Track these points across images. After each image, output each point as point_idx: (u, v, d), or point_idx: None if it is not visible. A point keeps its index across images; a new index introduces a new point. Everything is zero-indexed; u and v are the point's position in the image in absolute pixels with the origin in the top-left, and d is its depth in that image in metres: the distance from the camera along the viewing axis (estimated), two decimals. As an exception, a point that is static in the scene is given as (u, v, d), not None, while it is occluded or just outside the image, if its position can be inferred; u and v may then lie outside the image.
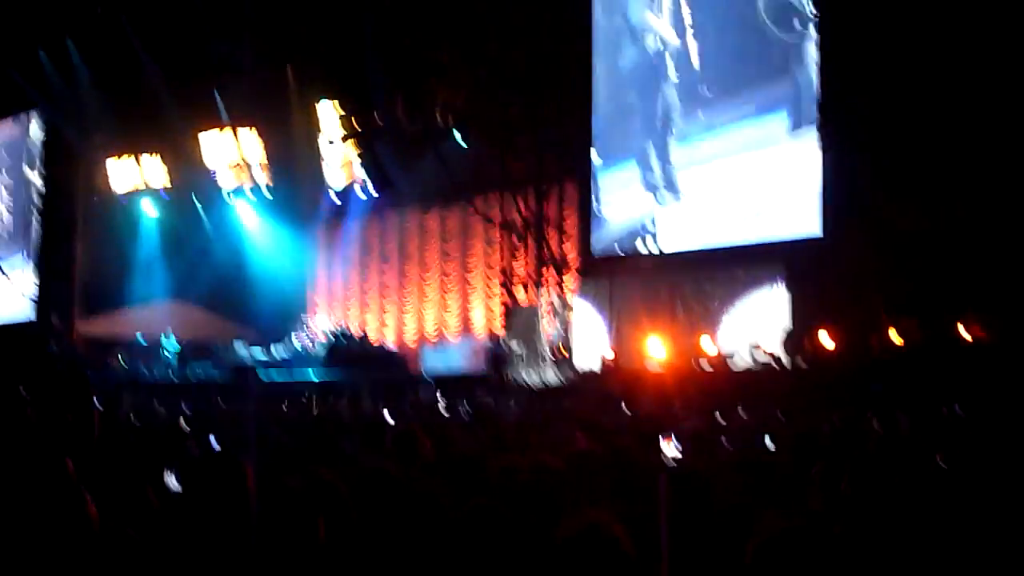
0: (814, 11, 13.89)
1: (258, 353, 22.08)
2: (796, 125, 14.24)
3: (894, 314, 12.53)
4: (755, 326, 14.28)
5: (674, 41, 15.87)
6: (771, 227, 14.52)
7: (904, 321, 12.57)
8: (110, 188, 25.72)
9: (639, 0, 16.58)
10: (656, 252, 16.11)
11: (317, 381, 17.57)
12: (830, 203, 13.67)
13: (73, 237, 25.46)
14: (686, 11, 15.65)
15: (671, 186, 15.87)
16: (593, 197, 17.16)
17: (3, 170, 27.01)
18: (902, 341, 12.36)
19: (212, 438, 6.98)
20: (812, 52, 14.02)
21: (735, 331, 14.73)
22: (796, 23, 14.18)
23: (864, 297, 12.96)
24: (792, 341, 13.44)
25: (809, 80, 14.01)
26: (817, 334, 13.00)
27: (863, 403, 9.85)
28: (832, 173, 13.65)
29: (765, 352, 13.66)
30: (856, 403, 10.17)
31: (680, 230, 15.79)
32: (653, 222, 16.06)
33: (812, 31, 14.00)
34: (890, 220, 12.79)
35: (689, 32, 15.65)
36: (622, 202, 16.64)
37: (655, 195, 16.07)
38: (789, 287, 14.17)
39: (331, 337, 20.81)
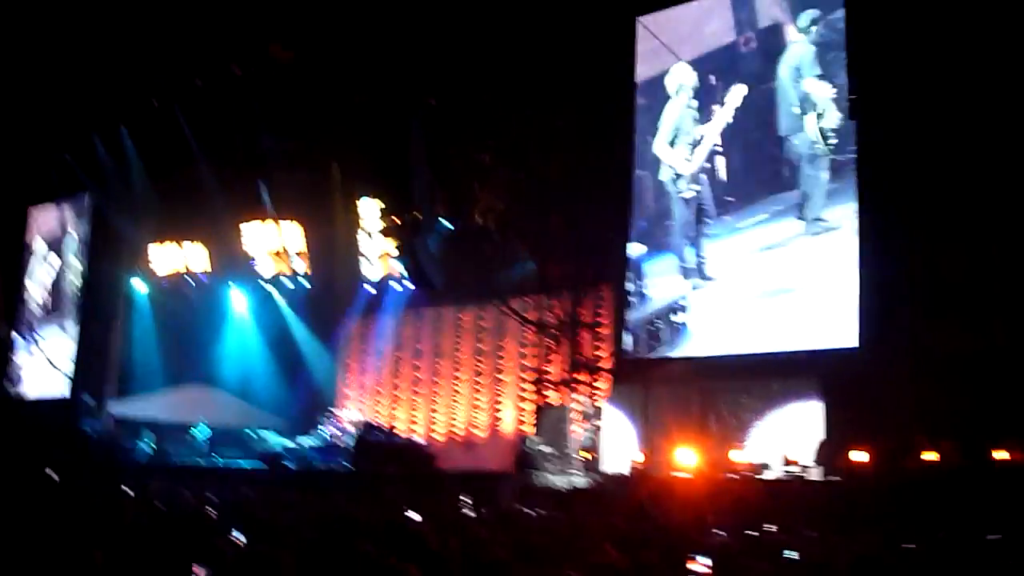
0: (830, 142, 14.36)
1: (287, 443, 22.11)
2: (807, 230, 14.64)
3: (930, 434, 12.37)
4: (788, 438, 14.11)
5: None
6: (807, 336, 14.48)
7: (941, 442, 12.41)
8: (151, 272, 26.17)
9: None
10: (688, 352, 16.07)
11: (344, 473, 17.52)
12: (867, 317, 13.62)
13: (112, 317, 25.84)
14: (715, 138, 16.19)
15: (703, 275, 16.24)
16: (634, 279, 17.39)
17: (50, 249, 27.56)
18: (938, 461, 12.17)
19: (237, 532, 6.99)
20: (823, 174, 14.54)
21: (768, 442, 14.57)
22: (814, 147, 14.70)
23: (900, 414, 12.82)
24: (825, 455, 13.27)
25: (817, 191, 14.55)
26: (850, 450, 12.83)
27: (896, 523, 9.71)
28: (869, 287, 13.64)
29: (798, 465, 13.49)
30: (888, 523, 10.03)
31: (713, 330, 15.80)
32: (686, 300, 16.42)
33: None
34: (928, 337, 12.72)
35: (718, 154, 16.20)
36: (661, 284, 17.01)
37: (691, 279, 16.42)
38: (824, 399, 14.03)
39: (359, 430, 20.80)
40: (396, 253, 20.90)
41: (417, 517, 7.81)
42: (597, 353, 19.45)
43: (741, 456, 14.26)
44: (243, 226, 24.33)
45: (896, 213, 13.81)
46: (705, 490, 13.03)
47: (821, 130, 14.76)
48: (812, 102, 14.95)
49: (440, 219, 19.88)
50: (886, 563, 6.08)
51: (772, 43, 15.78)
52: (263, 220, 24.17)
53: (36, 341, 26.55)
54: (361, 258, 23.04)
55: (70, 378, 25.16)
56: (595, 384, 18.87)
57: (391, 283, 23.07)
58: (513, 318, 21.36)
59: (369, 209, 21.95)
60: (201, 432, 22.99)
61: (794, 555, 6.64)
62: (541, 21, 17.32)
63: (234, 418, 24.23)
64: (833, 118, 14.62)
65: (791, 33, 15.53)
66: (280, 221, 24.00)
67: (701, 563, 5.72)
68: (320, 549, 5.52)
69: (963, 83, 13.24)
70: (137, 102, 22.46)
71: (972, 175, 13.21)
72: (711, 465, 14.22)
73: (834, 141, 14.58)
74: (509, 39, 17.75)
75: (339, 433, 21.77)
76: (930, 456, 12.39)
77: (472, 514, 9.76)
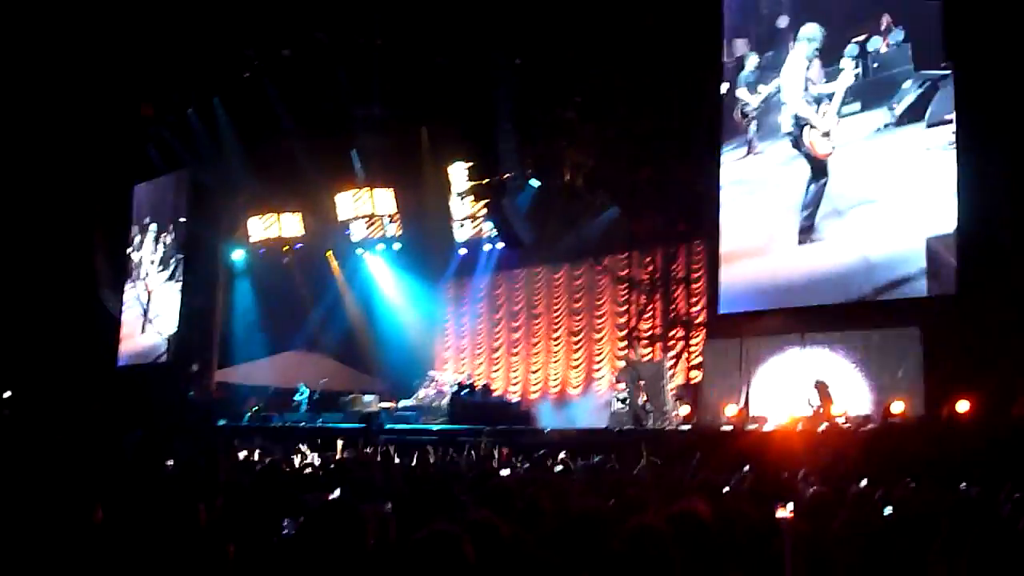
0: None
1: (385, 404, 22.49)
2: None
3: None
4: (887, 388, 13.81)
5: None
6: (905, 284, 14.00)
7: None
8: (249, 242, 26.76)
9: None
10: (785, 304, 15.66)
11: (439, 432, 17.74)
12: (965, 262, 13.16)
13: (213, 287, 26.55)
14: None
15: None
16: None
17: (152, 222, 28.36)
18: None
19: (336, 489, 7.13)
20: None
21: (867, 392, 14.28)
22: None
23: (1003, 362, 12.43)
24: (927, 407, 12.97)
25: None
26: (952, 398, 12.51)
27: (998, 474, 9.44)
28: (967, 231, 13.17)
29: (897, 415, 13.21)
30: (991, 473, 9.76)
31: (811, 281, 15.25)
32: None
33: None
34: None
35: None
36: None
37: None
38: (924, 348, 13.65)
39: (454, 390, 21.05)
40: (486, 213, 20.95)
41: (505, 472, 7.88)
42: (691, 309, 19.31)
43: (839, 408, 14.01)
44: (338, 196, 24.68)
45: (999, 154, 13.29)
46: (802, 443, 12.84)
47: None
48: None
49: (529, 178, 19.84)
50: (985, 510, 5.92)
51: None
52: (356, 188, 24.47)
53: (143, 310, 27.41)
54: (452, 221, 23.18)
55: (175, 345, 25.90)
56: (690, 339, 18.75)
57: (483, 244, 23.19)
58: (606, 275, 21.32)
59: (458, 172, 22.06)
60: (302, 396, 23.52)
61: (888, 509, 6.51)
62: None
63: (334, 382, 24.72)
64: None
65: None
66: (372, 188, 24.27)
67: (788, 511, 5.64)
68: (409, 502, 5.60)
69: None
70: (228, 75, 22.85)
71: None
72: (810, 417, 14.00)
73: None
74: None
75: (435, 394, 22.08)
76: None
77: (564, 468, 9.80)
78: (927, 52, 13.36)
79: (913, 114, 13.57)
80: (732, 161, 16.33)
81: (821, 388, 13.99)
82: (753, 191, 15.87)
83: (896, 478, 9.16)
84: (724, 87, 16.63)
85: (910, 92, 13.66)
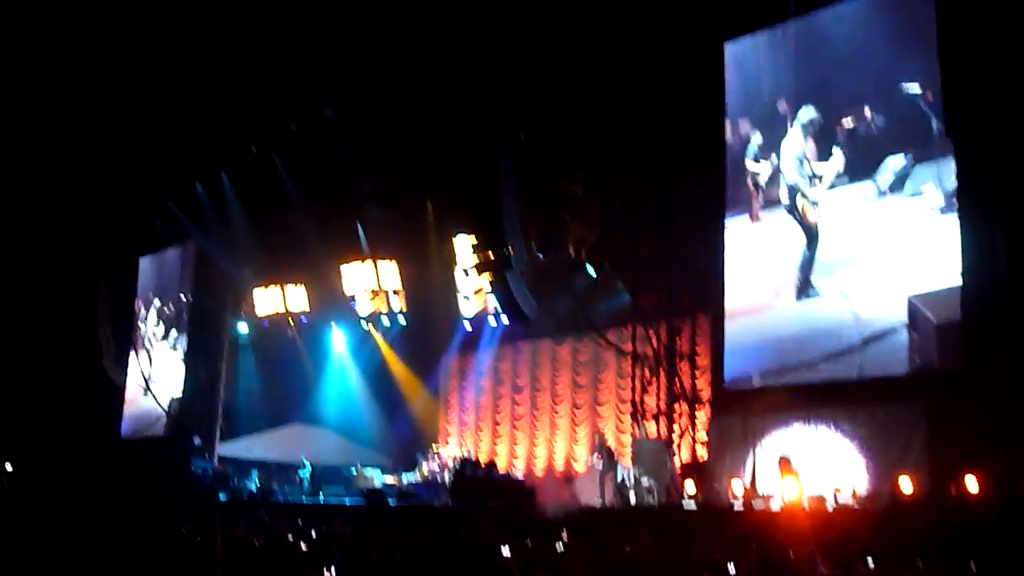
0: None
1: (388, 479, 22.31)
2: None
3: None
4: (894, 465, 13.64)
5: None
6: (910, 360, 13.95)
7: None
8: (254, 314, 26.79)
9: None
10: (790, 380, 15.62)
11: (442, 509, 17.56)
12: (970, 338, 13.10)
13: (218, 359, 26.50)
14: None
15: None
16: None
17: (156, 295, 28.44)
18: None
19: (332, 567, 7.03)
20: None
21: (873, 471, 14.12)
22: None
23: (1011, 437, 12.28)
24: (934, 483, 12.79)
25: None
26: (960, 474, 12.34)
27: (1010, 552, 9.30)
28: (972, 307, 13.13)
29: (905, 494, 13.02)
30: (1002, 552, 9.61)
31: (816, 356, 15.25)
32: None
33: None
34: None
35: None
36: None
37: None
38: (929, 424, 13.52)
39: (458, 465, 20.87)
40: (490, 288, 20.96)
41: (507, 551, 7.75)
42: (696, 383, 19.18)
43: (847, 486, 13.83)
44: (343, 267, 24.77)
45: (1000, 231, 13.31)
46: (810, 522, 12.65)
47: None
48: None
49: (533, 252, 19.90)
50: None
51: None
52: (361, 260, 24.56)
53: (147, 382, 27.34)
54: (457, 294, 23.21)
55: (178, 417, 25.79)
56: (695, 415, 18.60)
57: (487, 318, 23.18)
58: (609, 350, 21.25)
59: (463, 245, 22.14)
60: (304, 470, 23.35)
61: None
62: (627, 50, 17.28)
63: (337, 456, 24.58)
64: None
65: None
66: (377, 260, 24.36)
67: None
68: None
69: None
70: (235, 149, 23.09)
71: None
72: (816, 496, 13.82)
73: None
74: (595, 69, 17.75)
75: (439, 469, 21.90)
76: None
77: (563, 547, 9.66)
78: (910, 130, 14.21)
79: (896, 186, 14.40)
80: (734, 229, 16.82)
81: (783, 464, 14.00)
82: (755, 256, 16.44)
83: (905, 557, 9.02)
84: (728, 161, 16.87)
85: (892, 167, 14.47)
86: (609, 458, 18.07)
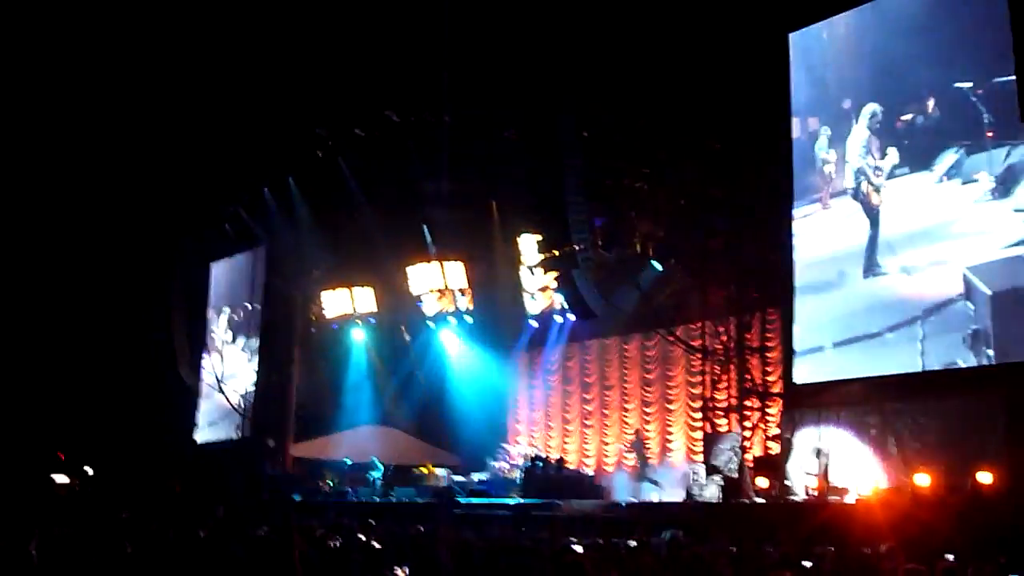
0: None
1: (458, 478, 22.39)
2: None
3: None
4: (972, 458, 13.35)
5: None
6: (987, 350, 13.75)
7: None
8: (324, 317, 27.09)
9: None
10: (862, 373, 15.49)
11: (514, 506, 17.58)
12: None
13: (289, 363, 26.84)
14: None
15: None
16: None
17: (231, 300, 28.91)
18: None
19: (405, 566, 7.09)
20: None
21: (951, 464, 13.83)
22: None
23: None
24: (1013, 477, 12.49)
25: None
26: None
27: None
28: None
29: (984, 487, 12.73)
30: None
31: (888, 350, 15.16)
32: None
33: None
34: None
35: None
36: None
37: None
38: (1008, 416, 13.23)
39: (529, 463, 20.88)
40: (556, 286, 20.96)
41: (579, 548, 7.74)
42: (767, 378, 18.98)
43: (925, 480, 13.57)
44: (409, 268, 24.93)
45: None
46: (886, 516, 12.44)
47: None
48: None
49: (599, 249, 19.84)
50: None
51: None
52: (427, 261, 24.70)
53: (220, 387, 27.78)
54: (523, 293, 23.22)
55: (251, 420, 26.17)
56: (766, 410, 18.42)
57: (554, 316, 23.15)
58: (678, 346, 21.10)
59: (528, 244, 22.15)
60: (376, 470, 23.54)
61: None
62: (691, 43, 17.16)
63: (408, 456, 24.72)
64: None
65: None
66: (443, 261, 24.48)
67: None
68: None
69: None
70: (302, 154, 23.39)
71: None
72: (893, 490, 13.60)
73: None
74: (659, 63, 17.65)
75: (509, 467, 21.92)
76: None
77: (637, 544, 9.62)
78: (962, 123, 14.63)
79: (952, 174, 14.85)
80: (803, 218, 17.09)
81: (821, 457, 13.96)
82: (823, 241, 16.83)
83: (986, 552, 8.84)
84: (795, 154, 16.83)
85: (948, 158, 14.90)
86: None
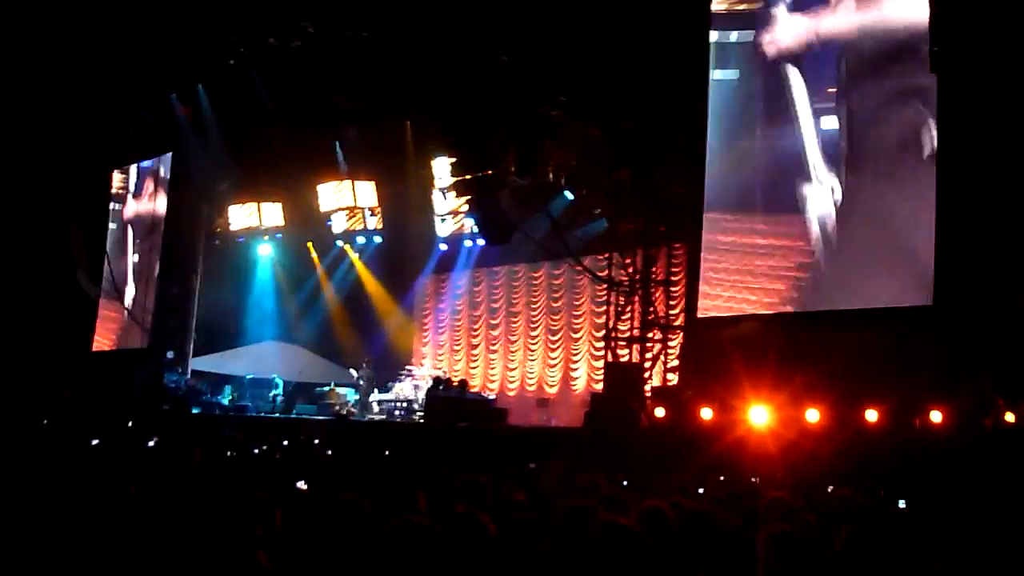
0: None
1: (361, 397, 22.45)
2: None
3: (1008, 394, 12.06)
4: (862, 395, 13.84)
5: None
6: (882, 293, 14.16)
7: (1022, 404, 12.10)
8: (229, 230, 26.63)
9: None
10: (762, 309, 15.83)
11: (412, 427, 17.73)
12: (942, 273, 13.24)
13: (191, 275, 26.36)
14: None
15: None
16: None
17: (134, 208, 28.18)
18: (1015, 421, 11.88)
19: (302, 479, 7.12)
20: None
21: (843, 399, 14.32)
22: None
23: (978, 374, 12.49)
24: (901, 414, 13.01)
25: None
26: (925, 408, 12.56)
27: (970, 482, 9.53)
28: (947, 243, 13.25)
29: (868, 423, 13.25)
30: (964, 482, 9.85)
31: (789, 287, 15.49)
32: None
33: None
34: (1006, 294, 12.39)
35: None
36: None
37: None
38: (898, 358, 13.71)
39: (431, 385, 21.02)
40: (467, 210, 20.93)
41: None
42: (670, 311, 19.32)
43: (814, 414, 14.03)
44: (320, 186, 24.61)
45: (976, 168, 13.37)
46: (776, 448, 12.89)
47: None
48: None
49: (512, 176, 19.83)
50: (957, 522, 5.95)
51: None
52: (338, 179, 24.41)
53: (120, 295, 27.22)
54: (434, 215, 23.15)
55: (152, 333, 25.73)
56: (668, 342, 18.76)
57: (464, 240, 23.16)
58: (585, 275, 21.32)
59: (442, 166, 22.03)
60: (277, 387, 23.45)
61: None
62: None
63: (311, 374, 24.67)
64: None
65: None
66: (354, 180, 24.22)
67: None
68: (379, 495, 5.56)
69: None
70: (213, 62, 22.68)
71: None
72: (784, 422, 14.03)
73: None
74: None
75: (412, 389, 22.06)
76: (1010, 417, 12.08)
77: (536, 467, 9.80)
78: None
79: None
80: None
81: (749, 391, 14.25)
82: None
83: (869, 485, 9.23)
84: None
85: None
86: None
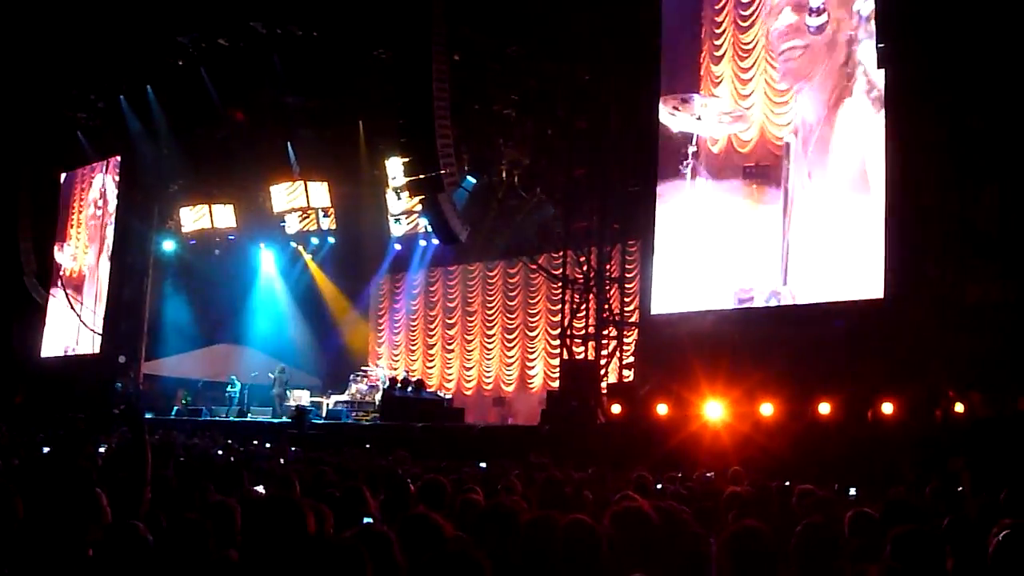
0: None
1: (317, 399, 22.33)
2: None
3: (957, 385, 12.27)
4: (815, 389, 14.00)
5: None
6: (834, 288, 14.30)
7: (971, 393, 12.31)
8: (181, 232, 26.34)
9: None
10: (716, 305, 15.92)
11: (370, 427, 17.65)
12: (892, 267, 13.41)
13: (143, 277, 25.99)
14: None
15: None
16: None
17: (80, 211, 27.79)
18: (965, 412, 12.09)
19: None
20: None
21: (795, 393, 14.47)
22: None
23: (928, 365, 12.69)
24: (853, 407, 13.18)
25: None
26: (876, 400, 12.73)
27: (923, 472, 9.67)
28: (895, 238, 13.43)
29: (821, 416, 13.40)
30: (916, 472, 9.99)
31: (739, 283, 15.59)
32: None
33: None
34: (955, 287, 12.60)
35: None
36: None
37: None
38: (850, 350, 13.87)
39: (386, 385, 20.94)
40: (421, 210, 20.86)
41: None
42: (624, 308, 19.39)
43: (768, 408, 14.17)
44: (272, 187, 24.42)
45: (925, 161, 13.57)
46: (731, 442, 13.00)
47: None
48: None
49: (465, 175, 19.80)
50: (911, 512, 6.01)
51: None
52: (291, 180, 24.25)
53: (69, 301, 26.81)
54: (388, 215, 23.06)
55: (102, 336, 25.38)
56: (623, 338, 18.83)
57: (418, 240, 23.10)
58: (540, 274, 21.36)
59: (395, 166, 21.95)
60: (233, 389, 23.25)
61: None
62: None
63: (266, 376, 24.48)
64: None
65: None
66: (307, 180, 24.06)
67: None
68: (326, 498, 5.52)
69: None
70: (162, 63, 22.41)
71: (1008, 120, 12.96)
72: (740, 416, 14.15)
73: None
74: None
75: (367, 389, 21.97)
76: (959, 407, 12.29)
77: (485, 466, 9.79)
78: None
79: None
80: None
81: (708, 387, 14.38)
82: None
83: (822, 477, 9.33)
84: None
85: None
86: None
